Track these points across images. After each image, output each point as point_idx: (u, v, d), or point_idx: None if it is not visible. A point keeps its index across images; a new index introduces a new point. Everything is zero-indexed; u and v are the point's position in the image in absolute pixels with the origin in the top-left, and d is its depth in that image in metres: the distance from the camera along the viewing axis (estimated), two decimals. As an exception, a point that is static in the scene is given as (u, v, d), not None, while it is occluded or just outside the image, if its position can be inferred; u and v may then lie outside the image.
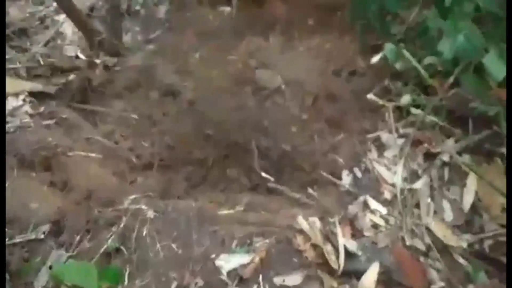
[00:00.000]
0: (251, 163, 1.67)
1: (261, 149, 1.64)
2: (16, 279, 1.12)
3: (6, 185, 1.28)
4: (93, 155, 1.53)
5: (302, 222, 1.30)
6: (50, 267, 1.12)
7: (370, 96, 1.59)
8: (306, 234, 1.27)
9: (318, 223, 1.29)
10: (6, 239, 1.16)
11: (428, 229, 1.31)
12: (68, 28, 1.96)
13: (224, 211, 1.34)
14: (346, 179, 1.46)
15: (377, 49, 1.82)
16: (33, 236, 1.17)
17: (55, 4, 2.04)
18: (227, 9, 2.27)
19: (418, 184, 1.38)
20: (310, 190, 1.48)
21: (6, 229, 1.18)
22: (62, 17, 2.00)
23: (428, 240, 1.29)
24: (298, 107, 1.71)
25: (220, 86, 1.82)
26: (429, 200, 1.39)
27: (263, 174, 1.58)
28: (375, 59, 1.79)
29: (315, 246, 1.24)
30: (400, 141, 1.51)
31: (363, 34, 1.81)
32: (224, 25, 2.02)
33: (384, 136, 1.54)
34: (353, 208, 1.35)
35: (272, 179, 1.60)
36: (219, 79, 1.84)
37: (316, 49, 1.82)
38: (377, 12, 1.77)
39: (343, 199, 1.39)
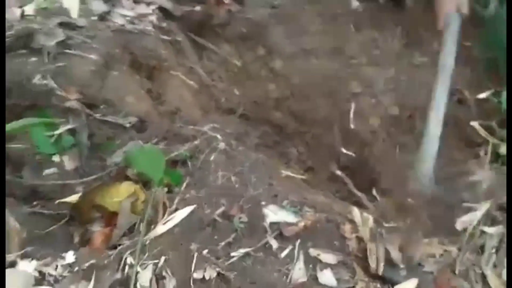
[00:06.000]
0: (326, 148, 1.69)
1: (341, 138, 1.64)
2: (94, 150, 1.25)
3: (114, 73, 1.42)
4: (191, 83, 1.64)
5: (356, 214, 1.28)
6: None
7: (474, 123, 1.51)
8: (356, 225, 1.25)
9: (371, 221, 1.26)
10: (99, 115, 1.28)
11: (483, 276, 1.22)
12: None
13: (287, 173, 1.36)
14: (415, 195, 1.41)
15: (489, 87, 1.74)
16: (120, 121, 1.29)
17: None
18: (357, 3, 2.28)
19: (491, 230, 1.28)
20: (374, 192, 1.45)
21: (101, 107, 1.31)
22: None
23: (478, 286, 1.20)
24: (391, 113, 1.68)
25: (323, 69, 1.83)
26: (494, 250, 1.29)
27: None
28: (483, 95, 1.71)
29: (360, 240, 1.22)
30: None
31: (487, 68, 1.72)
32: (349, 13, 2.03)
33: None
34: (412, 223, 1.30)
35: (339, 171, 1.61)
36: (323, 62, 1.86)
37: (433, 66, 1.75)
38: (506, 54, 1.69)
39: (406, 210, 1.34)
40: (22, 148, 1.17)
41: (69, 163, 1.21)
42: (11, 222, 0.94)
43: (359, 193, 1.50)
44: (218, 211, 1.10)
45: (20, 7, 1.37)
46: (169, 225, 1.00)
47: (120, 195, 1.15)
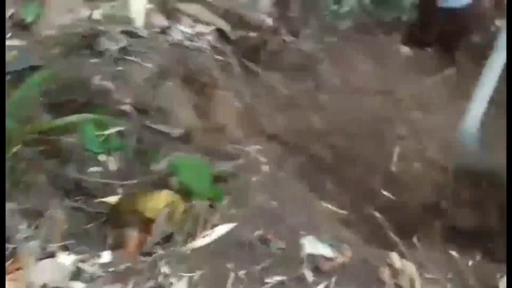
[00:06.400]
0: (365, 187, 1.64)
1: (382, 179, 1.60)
2: (139, 155, 1.25)
3: (168, 84, 1.44)
4: (236, 103, 1.66)
5: (395, 259, 1.21)
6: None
7: None
8: (395, 271, 1.18)
9: (412, 269, 1.19)
10: (149, 121, 1.29)
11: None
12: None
13: (327, 205, 1.32)
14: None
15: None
16: (168, 131, 1.29)
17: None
18: (406, 49, 2.29)
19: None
20: (414, 239, 1.38)
21: (151, 114, 1.32)
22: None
23: None
24: (435, 159, 1.63)
25: (369, 108, 1.82)
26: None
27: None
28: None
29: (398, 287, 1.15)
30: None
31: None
32: (398, 58, 2.04)
33: None
34: (454, 276, 1.21)
35: (377, 213, 1.55)
36: (370, 102, 1.85)
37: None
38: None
39: (448, 262, 1.26)
40: (71, 142, 1.19)
41: (113, 164, 1.22)
42: (56, 213, 0.94)
43: (396, 238, 1.43)
44: (256, 234, 1.06)
45: (90, 10, 1.43)
46: (208, 240, 0.97)
47: (159, 203, 1.14)
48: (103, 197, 1.14)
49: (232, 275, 0.93)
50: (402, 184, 1.62)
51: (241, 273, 0.95)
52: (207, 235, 0.99)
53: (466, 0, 2.17)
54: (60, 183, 1.05)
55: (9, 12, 1.36)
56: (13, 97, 0.99)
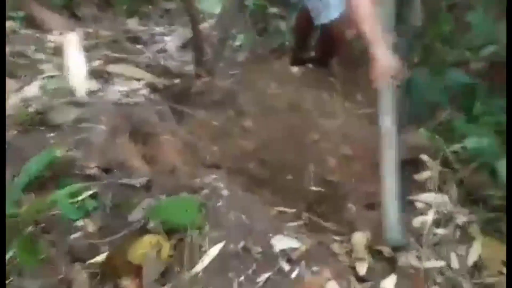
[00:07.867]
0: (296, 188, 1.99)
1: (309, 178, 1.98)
2: (114, 210, 1.40)
3: (119, 141, 1.61)
4: (178, 144, 1.88)
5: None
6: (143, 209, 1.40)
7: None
8: (342, 244, 1.55)
9: (354, 239, 1.58)
10: (114, 179, 1.45)
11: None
12: (172, 47, 2.42)
13: (277, 208, 1.64)
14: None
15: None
16: (133, 182, 1.46)
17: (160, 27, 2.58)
18: (295, 69, 2.74)
19: (440, 231, 1.66)
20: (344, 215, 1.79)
21: (116, 170, 1.48)
22: (168, 38, 2.48)
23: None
24: (345, 153, 2.07)
25: (286, 123, 2.19)
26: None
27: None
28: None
29: (347, 254, 1.52)
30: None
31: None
32: (291, 77, 2.47)
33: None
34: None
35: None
36: (284, 117, 2.22)
37: (368, 114, 2.22)
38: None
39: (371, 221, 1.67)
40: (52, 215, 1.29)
41: (92, 226, 1.35)
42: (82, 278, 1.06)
43: (327, 224, 1.81)
44: (240, 245, 1.32)
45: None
46: (207, 261, 1.20)
47: (144, 247, 1.31)
48: (91, 259, 1.27)
49: (235, 282, 1.18)
50: (324, 178, 2.02)
51: (241, 279, 1.20)
52: (205, 258, 1.22)
53: (333, 15, 2.30)
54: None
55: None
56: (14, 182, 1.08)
